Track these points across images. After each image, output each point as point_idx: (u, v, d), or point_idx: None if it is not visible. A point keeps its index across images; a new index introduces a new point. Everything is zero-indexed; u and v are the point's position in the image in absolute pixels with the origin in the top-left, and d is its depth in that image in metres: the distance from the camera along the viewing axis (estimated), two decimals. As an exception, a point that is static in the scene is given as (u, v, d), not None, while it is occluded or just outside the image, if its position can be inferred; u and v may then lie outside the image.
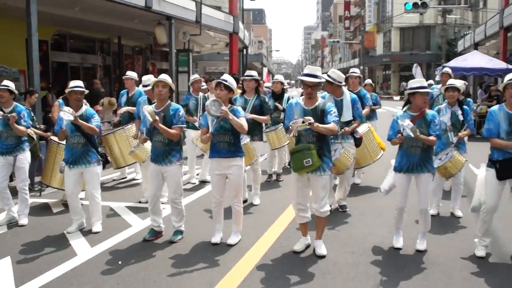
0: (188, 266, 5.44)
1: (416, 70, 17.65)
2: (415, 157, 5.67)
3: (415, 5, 26.59)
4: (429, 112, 5.73)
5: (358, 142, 7.43)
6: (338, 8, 79.07)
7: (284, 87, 10.75)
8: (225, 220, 6.32)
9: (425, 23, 48.41)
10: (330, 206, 7.49)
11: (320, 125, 5.28)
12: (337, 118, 5.56)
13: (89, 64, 20.67)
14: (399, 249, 5.88)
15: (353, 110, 7.20)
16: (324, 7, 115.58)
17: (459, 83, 7.49)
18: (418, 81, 6.49)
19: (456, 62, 17.26)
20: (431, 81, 16.00)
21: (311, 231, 5.99)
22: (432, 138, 5.56)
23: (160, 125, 5.87)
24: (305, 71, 5.60)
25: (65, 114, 6.05)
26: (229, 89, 5.98)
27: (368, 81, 12.77)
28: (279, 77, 9.91)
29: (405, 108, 5.86)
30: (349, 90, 8.67)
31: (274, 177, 9.96)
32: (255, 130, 7.82)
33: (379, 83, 55.28)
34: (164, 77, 6.08)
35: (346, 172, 7.44)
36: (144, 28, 18.36)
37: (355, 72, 9.20)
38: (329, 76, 7.03)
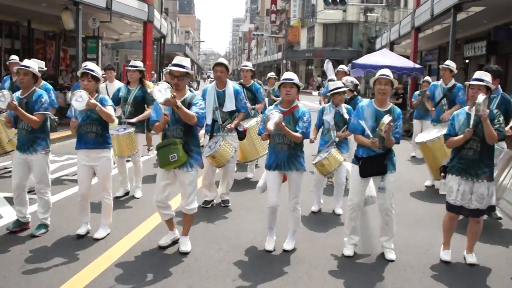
0: (45, 261, 5.11)
1: (328, 66, 17.66)
2: (283, 154, 5.47)
3: (333, 1, 26.86)
4: (300, 109, 5.54)
5: (241, 135, 7.30)
6: (265, 1, 79.19)
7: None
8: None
9: (348, 20, 49.27)
10: (212, 200, 7.33)
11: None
12: (203, 111, 5.30)
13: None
14: (270, 251, 5.63)
15: (236, 101, 7.11)
16: (254, 0, 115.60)
17: (347, 81, 7.46)
18: (335, 83, 7.23)
19: (365, 60, 17.48)
20: (332, 77, 16.31)
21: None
22: (297, 134, 5.35)
23: (20, 109, 5.58)
24: (174, 61, 5.37)
25: None
26: (96, 79, 5.67)
27: (271, 74, 12.58)
28: (248, 64, 9.34)
29: (276, 102, 5.70)
30: (241, 84, 8.61)
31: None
32: (138, 121, 7.57)
33: (302, 78, 55.83)
34: (91, 66, 5.72)
35: (229, 166, 7.25)
36: (54, 12, 17.40)
37: (246, 66, 9.05)
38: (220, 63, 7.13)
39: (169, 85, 5.13)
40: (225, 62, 7.17)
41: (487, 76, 5.22)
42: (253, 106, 8.78)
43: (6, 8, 16.42)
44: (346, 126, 6.92)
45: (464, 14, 19.12)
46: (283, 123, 5.18)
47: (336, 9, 28.58)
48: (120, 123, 7.50)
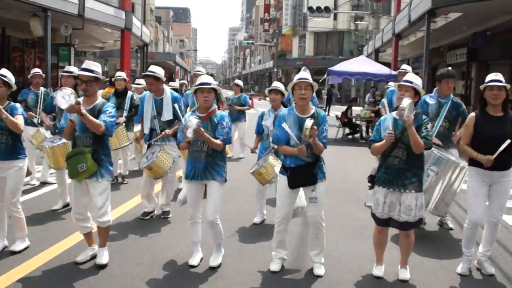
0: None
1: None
2: (200, 163, 5.11)
3: (318, 9, 26.66)
4: (219, 114, 5.19)
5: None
6: (259, 10, 79.18)
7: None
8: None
9: (339, 29, 49.17)
10: (152, 212, 7.00)
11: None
12: (112, 119, 4.97)
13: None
14: (194, 266, 5.26)
15: (174, 110, 6.75)
16: (249, 8, 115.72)
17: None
18: (274, 83, 6.80)
19: (341, 67, 17.21)
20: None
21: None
22: (217, 141, 4.99)
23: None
24: (83, 65, 5.08)
25: None
26: (8, 85, 5.32)
27: (237, 81, 12.29)
28: (121, 74, 9.13)
29: (194, 108, 5.38)
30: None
31: (120, 179, 9.22)
32: None
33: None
34: (3, 72, 5.34)
35: (169, 176, 6.92)
36: (25, 19, 17.11)
37: (199, 71, 8.81)
38: (151, 71, 6.72)
39: (73, 91, 4.82)
40: (156, 74, 6.68)
41: (417, 79, 4.89)
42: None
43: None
44: None
45: (443, 20, 19.01)
46: (202, 129, 4.85)
47: (321, 17, 28.26)
48: (55, 132, 7.24)
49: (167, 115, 6.73)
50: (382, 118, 5.01)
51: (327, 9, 26.56)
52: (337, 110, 24.19)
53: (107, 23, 19.46)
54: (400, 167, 4.76)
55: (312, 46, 52.37)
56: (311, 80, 4.88)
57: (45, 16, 15.51)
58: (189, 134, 4.77)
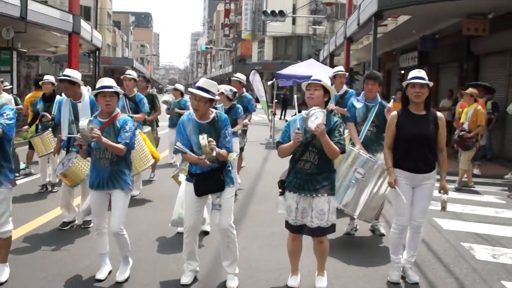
0: None
1: (254, 77, 17.23)
2: (105, 171, 4.82)
3: (273, 13, 26.53)
4: (122, 118, 4.91)
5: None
6: (220, 15, 78.95)
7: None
8: None
9: (297, 33, 49.27)
10: (72, 221, 6.66)
11: None
12: (10, 122, 4.56)
13: None
14: (100, 280, 4.92)
15: (92, 113, 6.31)
16: (210, 13, 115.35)
17: (225, 90, 6.89)
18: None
19: (290, 70, 17.12)
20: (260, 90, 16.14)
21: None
22: (119, 146, 4.71)
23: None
24: None
25: None
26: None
27: (178, 86, 11.94)
28: (49, 78, 8.71)
29: (96, 113, 5.05)
30: (124, 94, 8.05)
31: (50, 187, 8.79)
32: None
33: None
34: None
35: (87, 183, 6.51)
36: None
37: (129, 74, 8.53)
38: (66, 75, 6.40)
39: None
40: (72, 78, 6.31)
41: (325, 77, 4.66)
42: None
43: None
44: None
45: (393, 23, 19.08)
46: (101, 135, 4.54)
47: (277, 21, 28.16)
48: None
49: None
50: (291, 119, 4.74)
51: (281, 13, 26.40)
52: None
53: (52, 26, 18.74)
54: (311, 171, 4.53)
55: (271, 51, 52.38)
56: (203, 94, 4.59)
57: (-17, 19, 14.90)
58: (86, 139, 4.49)
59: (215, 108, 4.90)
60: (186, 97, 10.31)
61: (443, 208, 4.82)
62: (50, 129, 8.30)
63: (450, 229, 6.88)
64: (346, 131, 6.45)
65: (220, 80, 67.61)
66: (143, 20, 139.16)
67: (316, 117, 4.25)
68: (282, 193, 4.70)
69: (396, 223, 4.95)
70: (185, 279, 4.86)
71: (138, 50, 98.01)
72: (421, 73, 4.85)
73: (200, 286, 4.88)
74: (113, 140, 4.72)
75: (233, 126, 8.13)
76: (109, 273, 5.01)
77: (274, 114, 18.10)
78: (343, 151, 4.51)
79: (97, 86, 4.88)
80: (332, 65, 25.74)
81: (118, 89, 4.92)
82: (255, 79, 17.29)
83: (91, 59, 28.71)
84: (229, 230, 4.77)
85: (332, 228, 4.64)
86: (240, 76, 9.43)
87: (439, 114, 4.93)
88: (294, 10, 44.63)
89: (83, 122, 4.50)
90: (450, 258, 5.74)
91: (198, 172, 4.70)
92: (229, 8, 67.82)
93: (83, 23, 22.30)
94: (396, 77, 25.19)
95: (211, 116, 4.73)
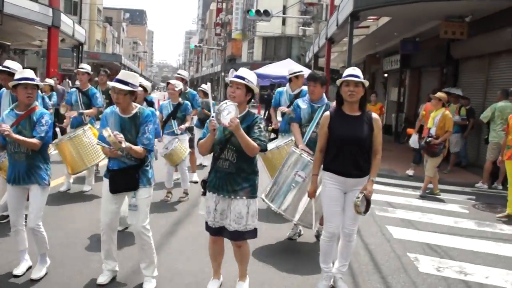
0: None
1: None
2: (20, 165, 4.62)
3: (257, 12, 26.27)
4: (38, 111, 4.69)
5: None
6: (213, 14, 78.70)
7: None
8: None
9: (287, 34, 49.05)
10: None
11: None
12: None
13: None
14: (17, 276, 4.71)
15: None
16: (204, 12, 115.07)
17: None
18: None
19: (266, 70, 16.88)
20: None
21: None
22: (33, 140, 4.50)
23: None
24: None
25: None
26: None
27: (147, 84, 11.66)
28: (84, 66, 8.67)
29: (12, 106, 4.83)
30: (77, 88, 8.12)
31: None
32: None
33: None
34: None
35: None
36: None
37: (83, 68, 8.41)
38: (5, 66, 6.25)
39: None
40: (11, 69, 6.12)
41: (251, 75, 4.36)
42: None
43: None
44: None
45: (374, 26, 18.85)
46: (10, 130, 4.34)
47: (261, 21, 27.90)
48: None
49: None
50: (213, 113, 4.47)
51: (266, 12, 26.09)
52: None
53: (30, 19, 18.44)
54: (230, 171, 4.25)
55: (261, 51, 52.14)
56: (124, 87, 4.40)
57: (-44, 11, 14.58)
58: None
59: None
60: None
61: (356, 210, 4.40)
62: None
63: (399, 238, 6.62)
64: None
65: (210, 79, 67.48)
66: (137, 17, 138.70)
67: (228, 112, 3.97)
68: (204, 193, 4.44)
69: (326, 229, 4.68)
70: (102, 279, 4.66)
71: (131, 47, 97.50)
72: (356, 71, 4.57)
73: (116, 286, 4.65)
74: (28, 134, 4.52)
75: (183, 122, 7.96)
76: (28, 269, 4.83)
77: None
78: (263, 149, 4.20)
79: (16, 77, 4.65)
80: (316, 67, 25.54)
81: (39, 82, 4.71)
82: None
83: (74, 54, 28.24)
84: (142, 232, 4.56)
85: (252, 233, 4.36)
86: (182, 73, 9.43)
87: (374, 115, 4.63)
88: (285, 10, 44.40)
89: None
90: (391, 269, 5.48)
91: (114, 168, 4.53)
92: (221, 7, 67.61)
93: (64, 17, 22.00)
94: (380, 80, 25.00)
95: (134, 111, 4.53)
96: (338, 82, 4.61)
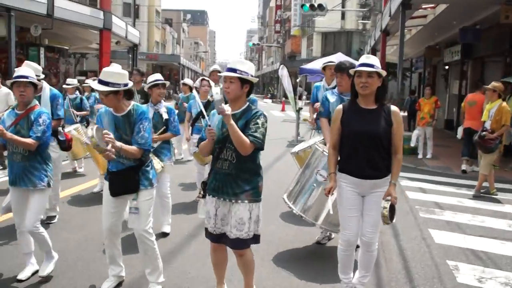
0: None
1: (282, 71, 16.55)
2: (18, 166, 4.51)
3: (312, 7, 25.68)
4: (37, 110, 4.54)
5: (63, 144, 6.41)
6: (272, 11, 78.39)
7: None
8: None
9: (347, 29, 48.00)
10: None
11: None
12: None
13: None
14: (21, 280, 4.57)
15: (52, 107, 6.21)
16: (265, 10, 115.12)
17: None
18: (154, 76, 6.18)
19: (313, 65, 16.37)
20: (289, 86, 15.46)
21: None
22: (28, 140, 4.36)
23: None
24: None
25: None
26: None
27: (186, 81, 11.58)
28: None
29: (13, 105, 4.74)
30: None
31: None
32: None
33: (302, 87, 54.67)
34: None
35: None
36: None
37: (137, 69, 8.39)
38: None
39: None
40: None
41: (244, 65, 3.85)
42: None
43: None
44: (164, 127, 5.94)
45: (431, 15, 17.89)
46: (3, 129, 4.23)
47: (316, 16, 27.29)
48: None
49: None
50: (212, 112, 4.09)
51: (320, 6, 25.46)
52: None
53: (81, 23, 18.77)
54: (229, 172, 3.84)
55: (320, 47, 51.22)
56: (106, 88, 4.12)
57: (9, 16, 14.93)
58: None
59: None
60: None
61: (383, 220, 3.91)
62: None
63: (441, 243, 6.00)
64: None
65: (271, 76, 67.17)
66: (198, 17, 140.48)
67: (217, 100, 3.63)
68: (203, 196, 4.06)
69: (342, 237, 4.22)
70: (106, 285, 4.46)
71: (192, 47, 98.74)
72: (370, 59, 4.05)
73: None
74: (26, 134, 4.40)
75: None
76: (34, 273, 4.68)
77: (298, 110, 17.23)
78: (259, 147, 3.76)
79: (14, 75, 4.51)
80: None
81: (34, 79, 4.53)
82: (283, 74, 16.56)
83: (130, 55, 28.68)
84: (144, 236, 4.27)
85: (254, 239, 3.94)
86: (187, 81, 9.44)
87: (393, 108, 4.09)
88: (344, 4, 43.40)
89: None
90: (424, 279, 4.91)
91: (113, 170, 4.28)
92: (280, 3, 67.08)
93: (116, 19, 22.26)
94: (441, 73, 23.86)
95: (127, 108, 4.24)
96: (351, 72, 4.12)
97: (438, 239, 6.13)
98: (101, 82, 4.08)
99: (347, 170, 4.08)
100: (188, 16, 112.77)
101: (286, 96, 17.24)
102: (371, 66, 3.96)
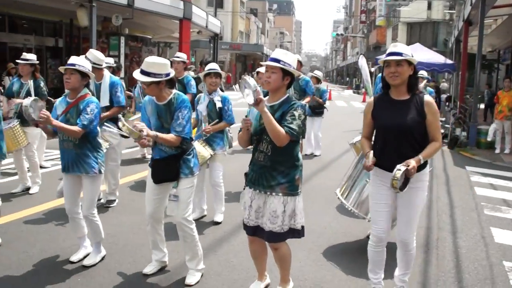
0: None
1: (362, 62, 16.23)
2: (70, 154, 4.66)
3: (393, -4, 25.05)
4: (86, 100, 4.65)
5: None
6: (358, 1, 77.08)
7: None
8: None
9: (433, 19, 46.34)
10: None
11: None
12: None
13: (34, 45, 20.28)
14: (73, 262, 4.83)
15: (111, 95, 6.54)
16: (351, 0, 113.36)
17: None
18: (210, 64, 6.17)
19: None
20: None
21: None
22: (75, 128, 4.47)
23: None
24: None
25: None
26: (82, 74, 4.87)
27: (316, 73, 11.77)
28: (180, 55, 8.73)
29: (65, 93, 4.83)
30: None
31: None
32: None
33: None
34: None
35: (109, 165, 6.60)
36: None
37: (178, 57, 8.49)
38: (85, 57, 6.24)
39: None
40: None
41: (288, 57, 3.75)
42: None
43: (41, 8, 17.21)
44: (218, 117, 6.01)
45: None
46: (49, 117, 4.34)
47: (400, 6, 26.57)
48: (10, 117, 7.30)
49: (103, 102, 6.39)
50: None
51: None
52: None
53: (161, 13, 19.38)
54: (265, 164, 3.84)
55: (405, 38, 49.74)
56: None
57: (90, 7, 15.69)
58: (33, 115, 4.32)
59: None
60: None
61: (392, 184, 3.62)
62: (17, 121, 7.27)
63: (501, 242, 5.67)
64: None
65: (354, 68, 66.14)
66: (285, 8, 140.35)
67: (246, 94, 3.62)
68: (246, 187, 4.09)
69: (372, 233, 4.08)
70: (148, 269, 4.62)
71: (277, 37, 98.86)
72: (398, 47, 3.86)
73: (161, 277, 4.56)
74: (75, 122, 4.53)
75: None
76: (85, 256, 4.88)
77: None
78: (294, 139, 3.74)
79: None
80: (458, 51, 23.70)
81: (83, 67, 4.64)
82: (362, 64, 16.27)
83: (211, 44, 29.29)
84: (183, 224, 4.38)
85: (292, 232, 3.90)
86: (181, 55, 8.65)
87: (427, 98, 3.88)
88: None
89: (27, 101, 4.36)
90: (475, 280, 4.66)
91: (156, 158, 4.41)
92: (366, -7, 65.83)
93: (196, 9, 22.76)
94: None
95: (168, 97, 4.34)
96: (380, 62, 4.02)
97: (498, 239, 5.84)
98: (142, 72, 4.16)
99: (380, 164, 3.92)
100: (275, 6, 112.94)
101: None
102: (399, 54, 3.79)
